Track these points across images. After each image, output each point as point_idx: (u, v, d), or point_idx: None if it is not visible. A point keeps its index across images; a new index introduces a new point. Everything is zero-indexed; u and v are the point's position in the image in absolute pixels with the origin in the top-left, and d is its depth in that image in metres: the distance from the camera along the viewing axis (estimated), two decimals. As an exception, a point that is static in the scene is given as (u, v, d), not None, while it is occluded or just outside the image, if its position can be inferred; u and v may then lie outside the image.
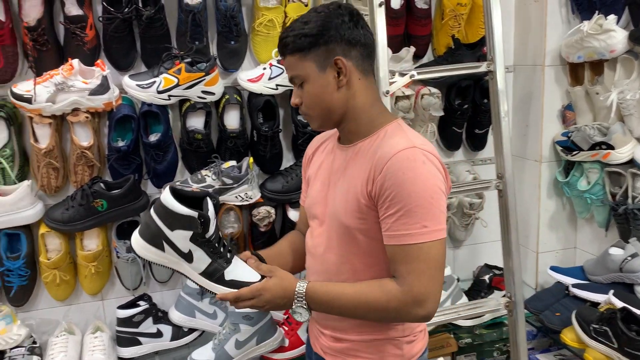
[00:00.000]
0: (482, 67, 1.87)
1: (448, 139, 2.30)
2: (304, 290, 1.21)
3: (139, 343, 1.93)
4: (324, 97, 1.22)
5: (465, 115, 2.23)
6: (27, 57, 1.78)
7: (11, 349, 1.80)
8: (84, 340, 1.91)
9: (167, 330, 1.96)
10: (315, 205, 1.34)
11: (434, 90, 2.14)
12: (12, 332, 1.80)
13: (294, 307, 1.22)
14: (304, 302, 1.21)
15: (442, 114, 2.17)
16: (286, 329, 1.98)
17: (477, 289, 2.26)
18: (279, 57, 1.65)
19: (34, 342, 1.85)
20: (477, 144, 2.34)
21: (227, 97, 1.91)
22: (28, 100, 1.72)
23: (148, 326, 1.93)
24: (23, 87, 1.74)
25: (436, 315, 1.85)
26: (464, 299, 2.17)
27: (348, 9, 1.22)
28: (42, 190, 1.86)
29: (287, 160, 2.09)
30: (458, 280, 2.26)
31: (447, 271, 2.14)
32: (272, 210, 1.98)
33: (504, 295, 1.96)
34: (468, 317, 2.01)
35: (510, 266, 1.92)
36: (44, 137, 1.79)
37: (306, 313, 1.23)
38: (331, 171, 1.31)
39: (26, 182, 1.79)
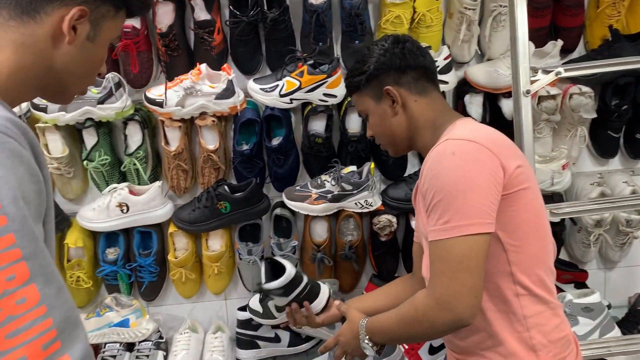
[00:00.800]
0: (647, 62, 1.60)
1: (601, 145, 2.01)
2: (364, 326, 1.28)
3: (258, 346, 1.93)
4: (386, 125, 1.30)
5: (624, 118, 1.94)
6: (160, 62, 1.86)
7: (139, 342, 1.89)
8: (206, 338, 1.95)
9: (285, 335, 1.94)
10: (418, 236, 1.36)
11: (585, 89, 1.90)
12: (141, 326, 1.89)
13: (361, 344, 1.28)
14: (366, 337, 1.27)
15: (594, 116, 1.92)
16: (406, 347, 1.86)
17: (633, 320, 1.94)
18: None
19: (161, 337, 1.92)
20: (638, 151, 2.02)
21: (349, 99, 1.83)
22: (160, 104, 1.79)
23: (266, 330, 1.93)
24: (156, 91, 1.81)
25: (581, 349, 1.63)
26: (616, 330, 1.87)
27: (393, 39, 1.30)
28: (172, 190, 1.93)
29: (412, 166, 1.96)
30: (609, 307, 1.96)
31: (596, 297, 1.86)
32: (394, 219, 1.86)
33: (667, 332, 1.65)
34: (621, 353, 1.72)
35: (678, 298, 1.61)
36: (174, 140, 1.86)
37: (370, 348, 1.27)
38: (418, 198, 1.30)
39: (157, 183, 1.87)
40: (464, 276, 1.06)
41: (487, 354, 1.19)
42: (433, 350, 1.84)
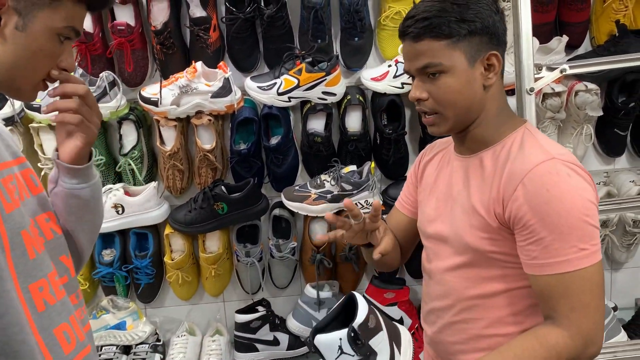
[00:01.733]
0: (655, 58, 1.55)
1: (608, 143, 1.97)
2: None
3: (256, 349, 1.90)
4: (467, 95, 1.07)
5: (631, 115, 1.89)
6: (155, 61, 1.82)
7: (136, 344, 1.86)
8: (203, 341, 1.92)
9: (284, 338, 1.91)
10: (432, 223, 1.20)
11: (591, 86, 1.85)
12: (138, 329, 1.86)
13: None
14: None
15: (601, 113, 1.87)
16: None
17: (641, 323, 1.90)
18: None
19: (158, 340, 1.89)
20: (646, 149, 1.97)
21: (348, 97, 1.79)
22: (154, 103, 1.75)
23: (265, 333, 1.90)
24: (151, 90, 1.77)
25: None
26: (622, 334, 1.83)
27: (496, 3, 1.09)
28: (168, 191, 1.89)
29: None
30: (615, 309, 1.92)
31: (602, 300, 1.82)
32: (395, 220, 1.82)
33: (676, 336, 1.61)
34: (628, 359, 1.67)
35: (686, 300, 1.57)
36: (169, 139, 1.82)
37: None
38: (450, 186, 1.17)
39: (153, 184, 1.83)
40: (602, 304, 1.02)
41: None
42: None
